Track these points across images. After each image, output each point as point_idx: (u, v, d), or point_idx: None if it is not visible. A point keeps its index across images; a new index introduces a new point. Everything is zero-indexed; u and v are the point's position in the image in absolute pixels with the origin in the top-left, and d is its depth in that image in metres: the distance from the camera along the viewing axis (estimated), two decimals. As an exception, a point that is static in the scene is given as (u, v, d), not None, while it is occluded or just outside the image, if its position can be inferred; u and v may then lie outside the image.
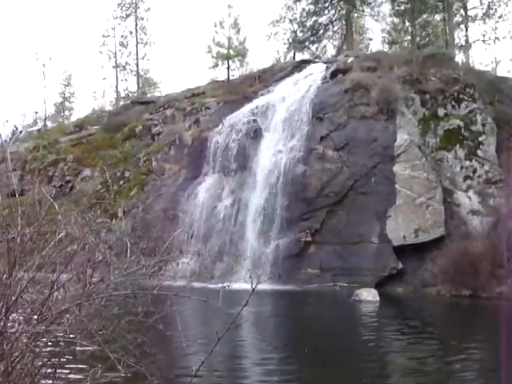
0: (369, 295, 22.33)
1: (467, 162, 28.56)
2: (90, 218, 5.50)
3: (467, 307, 22.39)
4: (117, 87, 60.63)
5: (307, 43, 53.09)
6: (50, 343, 4.75)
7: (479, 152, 28.69)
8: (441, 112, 30.17)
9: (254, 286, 4.22)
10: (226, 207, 30.52)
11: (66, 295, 4.84)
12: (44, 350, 4.81)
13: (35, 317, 4.52)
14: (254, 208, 29.54)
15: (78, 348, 4.75)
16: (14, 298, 4.50)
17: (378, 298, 22.18)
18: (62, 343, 4.72)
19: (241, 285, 21.23)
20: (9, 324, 4.54)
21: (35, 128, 51.95)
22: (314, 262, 27.77)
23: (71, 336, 4.67)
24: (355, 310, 20.89)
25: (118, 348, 4.63)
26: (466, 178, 28.26)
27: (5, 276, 4.58)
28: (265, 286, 26.13)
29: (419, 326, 17.43)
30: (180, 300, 5.68)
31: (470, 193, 27.90)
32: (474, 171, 28.29)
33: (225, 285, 5.19)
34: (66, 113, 71.09)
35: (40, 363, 4.78)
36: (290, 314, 20.07)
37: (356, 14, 54.33)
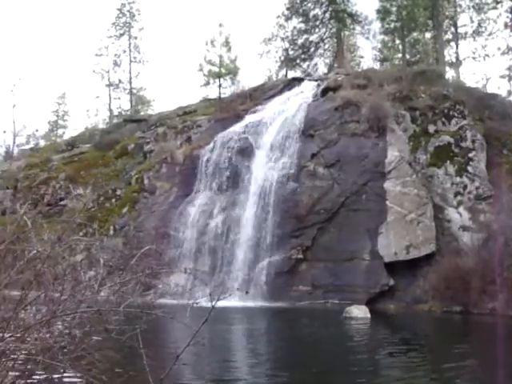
0: (360, 312, 22.24)
1: (458, 178, 28.63)
2: (64, 237, 5.47)
3: (458, 323, 22.35)
4: (110, 105, 60.96)
5: (298, 61, 53.41)
6: (19, 362, 4.71)
7: (469, 168, 28.77)
8: (431, 128, 30.31)
9: (213, 303, 4.24)
10: (217, 225, 30.43)
11: (37, 313, 4.82)
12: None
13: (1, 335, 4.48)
14: (245, 225, 29.49)
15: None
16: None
17: (368, 315, 22.09)
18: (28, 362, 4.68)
19: (231, 302, 21.19)
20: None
21: (28, 146, 51.78)
22: (305, 279, 27.70)
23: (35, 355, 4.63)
24: (346, 327, 20.78)
25: (84, 365, 4.60)
26: (457, 194, 28.31)
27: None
28: (256, 304, 26.20)
29: (410, 343, 17.35)
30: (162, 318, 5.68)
31: (461, 209, 27.92)
32: (465, 187, 28.34)
33: (192, 302, 5.15)
34: (60, 131, 70.93)
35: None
36: (281, 332, 19.94)
37: (347, 32, 54.79)
